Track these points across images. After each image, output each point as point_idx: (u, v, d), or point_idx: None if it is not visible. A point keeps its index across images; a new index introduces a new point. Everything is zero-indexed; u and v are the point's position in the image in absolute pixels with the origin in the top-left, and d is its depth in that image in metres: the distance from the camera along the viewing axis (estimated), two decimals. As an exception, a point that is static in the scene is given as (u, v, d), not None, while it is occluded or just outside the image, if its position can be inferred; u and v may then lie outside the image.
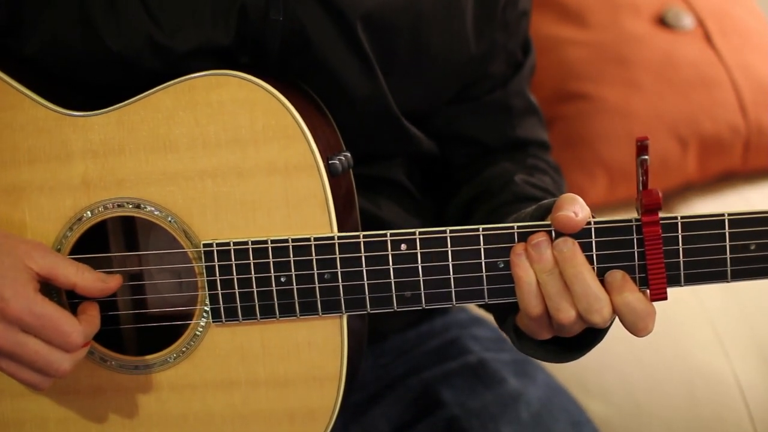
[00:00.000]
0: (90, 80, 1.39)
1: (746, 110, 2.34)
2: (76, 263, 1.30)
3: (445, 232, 1.28)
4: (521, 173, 1.54)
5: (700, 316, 1.99)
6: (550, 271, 1.25)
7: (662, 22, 2.39)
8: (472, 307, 1.82)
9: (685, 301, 2.03)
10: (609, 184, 2.29)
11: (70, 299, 1.34)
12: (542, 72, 2.30)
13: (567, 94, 2.32)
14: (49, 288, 1.31)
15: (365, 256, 1.29)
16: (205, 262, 1.31)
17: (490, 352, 1.66)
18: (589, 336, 1.31)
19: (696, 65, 2.36)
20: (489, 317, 1.75)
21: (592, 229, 1.25)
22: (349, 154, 1.35)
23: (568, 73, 2.34)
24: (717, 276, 1.26)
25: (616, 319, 1.27)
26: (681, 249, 1.25)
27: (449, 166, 1.61)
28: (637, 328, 1.25)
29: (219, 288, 1.31)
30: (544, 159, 1.61)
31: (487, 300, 1.28)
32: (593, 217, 1.26)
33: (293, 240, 1.29)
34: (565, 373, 1.82)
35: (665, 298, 1.26)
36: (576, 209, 1.24)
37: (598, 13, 2.37)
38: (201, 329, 1.33)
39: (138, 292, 1.42)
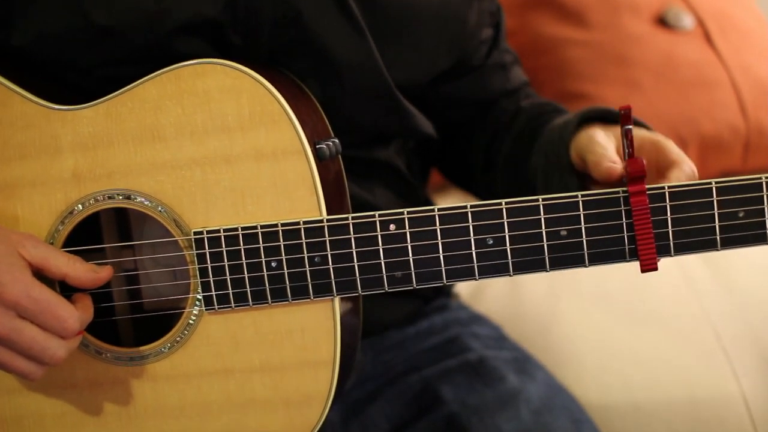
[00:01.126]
0: (79, 63, 1.39)
1: (746, 110, 2.33)
2: (68, 254, 1.31)
3: (433, 210, 1.28)
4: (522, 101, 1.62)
5: (701, 316, 1.97)
6: None
7: (662, 22, 2.39)
8: (472, 305, 1.82)
9: (685, 301, 2.02)
10: (609, 182, 2.29)
11: (63, 292, 1.33)
12: (542, 72, 2.31)
13: (567, 94, 2.32)
14: (41, 279, 1.30)
15: (354, 238, 1.29)
16: (196, 250, 1.31)
17: (491, 349, 1.65)
18: None
19: (696, 65, 2.36)
20: (489, 316, 1.75)
21: (580, 202, 1.25)
22: (337, 141, 1.35)
23: (568, 73, 2.34)
24: (707, 245, 1.25)
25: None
26: (669, 219, 1.25)
27: (450, 126, 1.65)
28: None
29: (210, 275, 1.31)
30: (533, 93, 1.68)
31: (477, 277, 1.28)
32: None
33: (282, 224, 1.29)
34: (564, 372, 1.81)
35: (656, 269, 1.25)
36: None
37: (598, 13, 2.38)
38: (194, 318, 1.33)
39: (131, 282, 1.42)
